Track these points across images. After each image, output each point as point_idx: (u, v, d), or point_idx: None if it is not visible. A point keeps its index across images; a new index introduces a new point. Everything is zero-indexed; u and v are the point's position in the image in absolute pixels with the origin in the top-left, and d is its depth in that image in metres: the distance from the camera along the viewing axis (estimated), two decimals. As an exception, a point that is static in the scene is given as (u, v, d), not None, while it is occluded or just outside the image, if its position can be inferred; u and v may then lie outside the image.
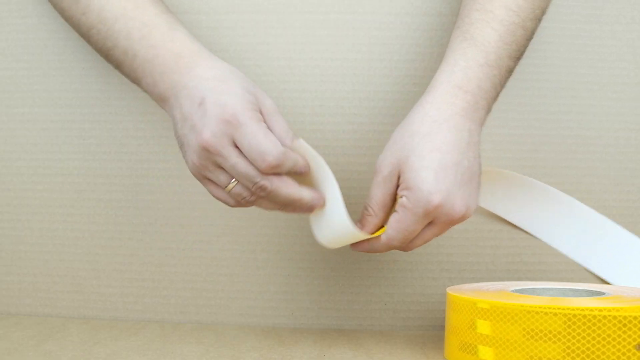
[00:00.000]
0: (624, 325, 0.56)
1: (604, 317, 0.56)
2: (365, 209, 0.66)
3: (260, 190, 0.63)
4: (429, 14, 0.78)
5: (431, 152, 0.63)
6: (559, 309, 0.57)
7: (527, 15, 0.68)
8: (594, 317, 0.56)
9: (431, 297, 0.79)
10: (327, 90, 0.79)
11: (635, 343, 0.56)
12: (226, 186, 0.64)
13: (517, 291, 0.66)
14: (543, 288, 0.67)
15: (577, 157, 0.79)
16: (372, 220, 0.66)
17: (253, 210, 0.79)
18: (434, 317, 0.79)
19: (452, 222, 0.64)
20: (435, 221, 0.64)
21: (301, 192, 0.64)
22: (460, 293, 0.63)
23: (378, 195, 0.65)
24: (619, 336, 0.56)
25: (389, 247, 0.66)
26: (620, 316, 0.56)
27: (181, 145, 0.65)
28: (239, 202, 0.65)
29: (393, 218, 0.64)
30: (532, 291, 0.67)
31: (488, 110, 0.67)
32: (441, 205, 0.63)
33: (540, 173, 0.79)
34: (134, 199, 0.80)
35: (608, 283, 0.77)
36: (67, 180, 0.81)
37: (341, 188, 0.79)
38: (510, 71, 0.68)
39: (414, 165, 0.63)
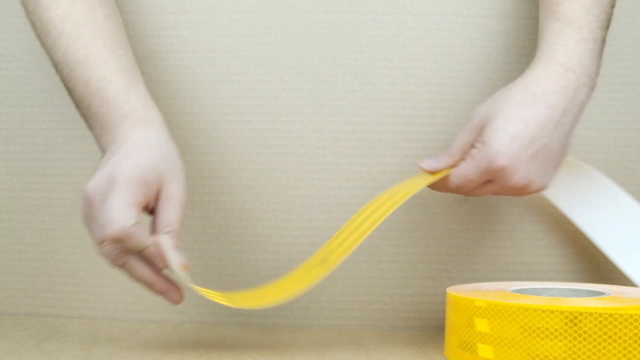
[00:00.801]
0: (630, 323, 0.56)
1: (608, 315, 0.56)
2: (447, 149, 0.69)
3: (118, 260, 0.63)
4: (429, 14, 0.78)
5: (517, 120, 0.65)
6: (559, 307, 0.57)
7: None
8: (599, 315, 0.56)
9: (431, 297, 0.79)
10: (327, 90, 0.79)
11: None
12: (99, 243, 0.63)
13: (517, 291, 0.66)
14: (543, 288, 0.67)
15: (578, 157, 0.79)
16: (447, 160, 0.69)
17: (253, 210, 0.79)
18: (434, 317, 0.79)
19: (510, 189, 0.67)
20: (495, 181, 0.67)
21: (154, 279, 0.64)
22: (460, 293, 0.63)
23: (462, 140, 0.68)
24: (625, 334, 0.56)
25: (450, 190, 0.69)
26: (625, 314, 0.56)
27: None
28: (111, 260, 0.64)
29: (460, 165, 0.68)
30: (532, 291, 0.67)
31: (592, 87, 0.68)
32: (504, 169, 0.65)
33: (541, 173, 0.79)
34: (134, 199, 0.80)
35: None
36: (67, 180, 0.81)
37: (341, 189, 0.79)
38: (603, 42, 0.69)
39: (496, 124, 0.66)
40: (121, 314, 0.81)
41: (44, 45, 0.71)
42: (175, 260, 0.62)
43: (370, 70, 0.78)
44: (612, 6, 0.70)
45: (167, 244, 0.62)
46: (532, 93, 0.66)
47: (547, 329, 0.57)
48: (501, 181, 0.67)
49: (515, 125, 0.65)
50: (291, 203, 0.79)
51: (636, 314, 0.56)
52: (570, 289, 0.67)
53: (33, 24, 0.71)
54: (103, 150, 0.67)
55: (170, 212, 0.64)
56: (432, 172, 0.69)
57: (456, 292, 0.64)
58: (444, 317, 0.66)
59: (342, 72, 0.79)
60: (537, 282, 0.72)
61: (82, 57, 0.68)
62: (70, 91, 0.69)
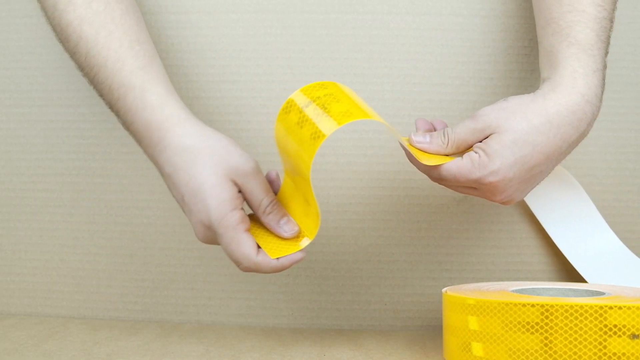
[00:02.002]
0: (605, 317, 0.57)
1: (578, 307, 0.57)
2: (443, 134, 0.67)
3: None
4: (429, 14, 0.78)
5: (526, 143, 0.63)
6: (535, 302, 0.58)
7: (610, 7, 0.68)
8: (571, 307, 0.57)
9: (431, 297, 0.79)
10: (327, 90, 0.78)
11: (629, 333, 0.56)
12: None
13: (517, 291, 0.66)
14: (543, 288, 0.67)
15: (577, 157, 0.79)
16: (440, 145, 0.67)
17: (253, 210, 0.79)
18: (434, 317, 0.79)
19: (489, 199, 0.66)
20: (479, 190, 0.66)
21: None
22: (456, 292, 0.64)
23: (461, 135, 0.66)
24: (596, 326, 0.57)
25: (430, 176, 0.67)
26: (596, 305, 0.57)
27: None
28: None
29: (454, 162, 0.65)
30: (532, 291, 0.67)
31: (596, 118, 0.67)
32: (493, 185, 0.64)
33: (540, 173, 0.79)
34: (134, 199, 0.80)
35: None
36: (67, 180, 0.81)
37: (341, 188, 0.80)
38: (606, 68, 0.68)
39: (505, 140, 0.63)
40: (121, 314, 0.81)
41: (66, 49, 0.70)
42: (291, 236, 0.66)
43: (370, 70, 0.78)
44: (612, 30, 0.69)
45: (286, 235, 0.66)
46: (549, 120, 0.64)
47: (527, 323, 0.58)
48: (486, 193, 0.66)
49: (523, 148, 0.63)
50: (291, 203, 0.79)
51: (611, 305, 0.57)
52: (570, 289, 0.67)
53: (54, 28, 0.70)
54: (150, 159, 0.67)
55: (254, 191, 0.65)
56: (420, 150, 0.67)
57: (452, 291, 0.65)
58: (444, 317, 0.66)
59: (342, 72, 0.79)
60: (537, 282, 0.72)
61: (101, 61, 0.67)
62: (99, 94, 0.69)
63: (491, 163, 0.63)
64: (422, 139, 0.67)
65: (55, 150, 0.81)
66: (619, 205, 0.80)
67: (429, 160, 0.65)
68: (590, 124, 0.65)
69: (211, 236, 0.65)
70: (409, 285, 0.80)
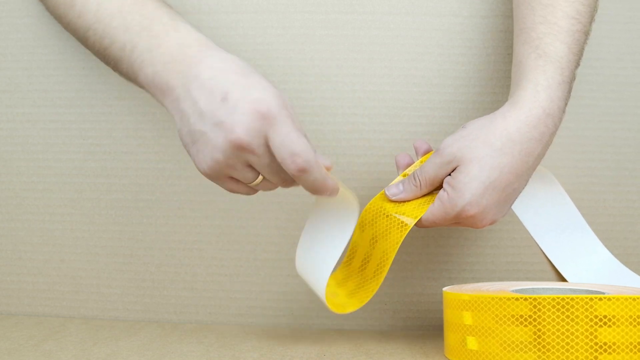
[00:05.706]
0: (595, 309, 0.58)
1: (570, 299, 0.58)
2: (413, 177, 0.67)
3: (288, 184, 0.62)
4: (429, 14, 0.78)
5: (492, 168, 0.64)
6: (525, 295, 0.59)
7: (586, 20, 0.68)
8: (562, 300, 0.58)
9: (431, 297, 0.80)
10: (327, 90, 0.79)
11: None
12: (251, 182, 0.62)
13: (517, 291, 0.66)
14: (543, 288, 0.68)
15: (576, 157, 0.80)
16: (414, 191, 0.68)
17: (253, 210, 0.79)
18: (434, 317, 0.79)
19: (473, 227, 0.67)
20: (462, 223, 0.66)
21: (326, 179, 0.61)
22: (454, 291, 0.64)
23: (430, 173, 0.66)
24: (587, 317, 0.58)
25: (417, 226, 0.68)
26: (586, 297, 0.58)
27: (194, 142, 0.61)
28: (256, 191, 0.64)
29: (429, 210, 0.66)
30: (532, 291, 0.67)
31: (557, 129, 0.67)
32: (473, 217, 0.65)
33: (540, 173, 0.79)
34: (134, 199, 0.80)
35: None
36: (67, 180, 0.81)
37: (341, 188, 0.79)
38: (574, 80, 0.68)
39: (471, 171, 0.64)
40: (121, 314, 0.81)
41: (70, 20, 0.68)
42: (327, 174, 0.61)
43: (370, 70, 0.78)
44: (586, 42, 0.69)
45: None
46: (511, 139, 0.64)
47: (520, 316, 0.59)
48: (468, 225, 0.66)
49: (490, 175, 0.64)
50: (291, 203, 0.79)
51: (595, 298, 0.58)
52: (570, 289, 0.67)
53: (61, 9, 0.69)
54: (163, 88, 0.62)
55: (301, 131, 0.60)
56: (397, 201, 0.68)
57: (451, 290, 0.65)
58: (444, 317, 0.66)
59: (342, 72, 0.79)
60: (537, 282, 0.72)
61: (117, 7, 0.65)
62: (106, 48, 0.66)
63: (461, 198, 0.64)
64: (395, 191, 0.69)
65: (55, 150, 0.81)
66: (619, 205, 0.80)
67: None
68: (553, 135, 0.66)
69: (253, 137, 0.58)
70: (409, 285, 0.80)
